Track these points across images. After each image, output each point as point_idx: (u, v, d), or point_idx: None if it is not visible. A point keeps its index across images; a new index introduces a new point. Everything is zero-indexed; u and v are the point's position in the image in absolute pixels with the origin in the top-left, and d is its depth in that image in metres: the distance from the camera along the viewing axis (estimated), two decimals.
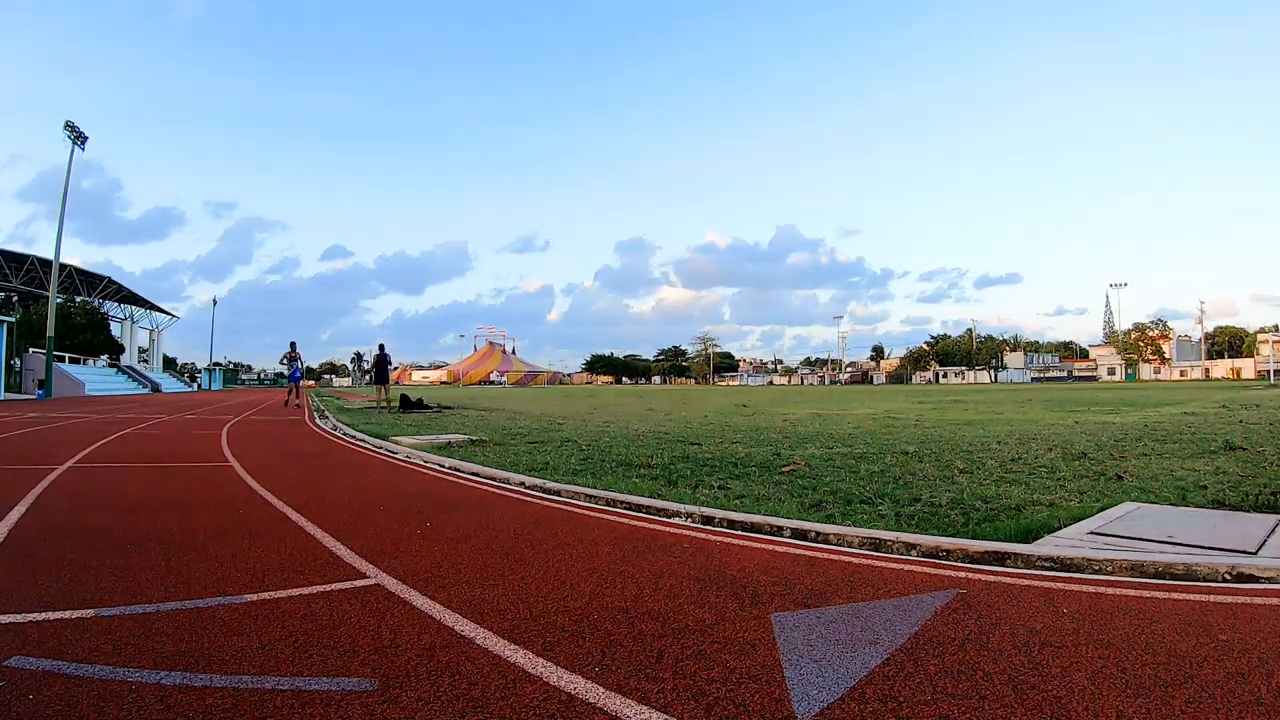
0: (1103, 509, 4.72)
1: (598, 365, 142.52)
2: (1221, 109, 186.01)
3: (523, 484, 6.38)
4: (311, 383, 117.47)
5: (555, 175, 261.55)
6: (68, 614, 2.83)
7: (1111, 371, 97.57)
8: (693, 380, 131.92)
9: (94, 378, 50.18)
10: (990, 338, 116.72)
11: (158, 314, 73.78)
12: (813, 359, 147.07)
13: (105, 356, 63.15)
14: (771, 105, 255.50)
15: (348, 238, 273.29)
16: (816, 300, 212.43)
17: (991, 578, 3.32)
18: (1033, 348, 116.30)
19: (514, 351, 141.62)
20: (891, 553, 3.86)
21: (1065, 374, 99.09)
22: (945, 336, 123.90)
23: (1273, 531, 3.96)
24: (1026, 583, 3.25)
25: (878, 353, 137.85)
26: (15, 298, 59.14)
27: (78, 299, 62.07)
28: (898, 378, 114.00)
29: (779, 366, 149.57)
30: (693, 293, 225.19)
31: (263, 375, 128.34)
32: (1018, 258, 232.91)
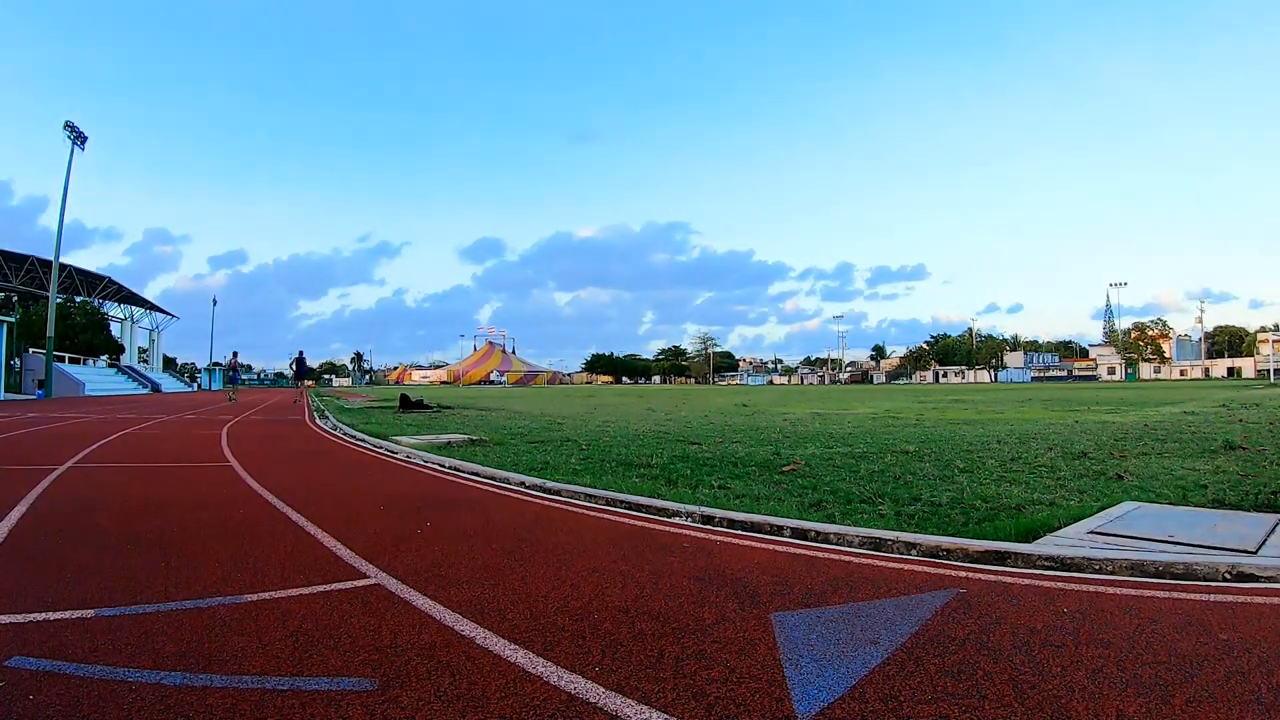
0: (1103, 508, 4.72)
1: (597, 365, 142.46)
2: (1146, 104, 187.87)
3: (523, 484, 6.38)
4: (311, 383, 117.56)
5: (396, 176, 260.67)
6: (68, 614, 2.82)
7: (1111, 371, 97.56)
8: (693, 380, 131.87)
9: (94, 378, 50.14)
10: (990, 337, 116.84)
11: (157, 314, 73.82)
12: (812, 358, 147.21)
13: (105, 356, 63.11)
14: (617, 102, 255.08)
15: (247, 243, 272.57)
16: (735, 299, 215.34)
17: (992, 577, 3.32)
18: (1032, 347, 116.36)
19: (513, 351, 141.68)
20: (891, 552, 3.86)
21: (1065, 373, 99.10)
22: (945, 336, 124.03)
23: (1273, 531, 3.96)
24: (1027, 582, 3.25)
25: (878, 352, 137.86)
26: (15, 298, 59.12)
27: (77, 299, 62.06)
28: (898, 377, 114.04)
29: (779, 366, 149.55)
30: (610, 292, 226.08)
31: (263, 375, 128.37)
32: (914, 253, 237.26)
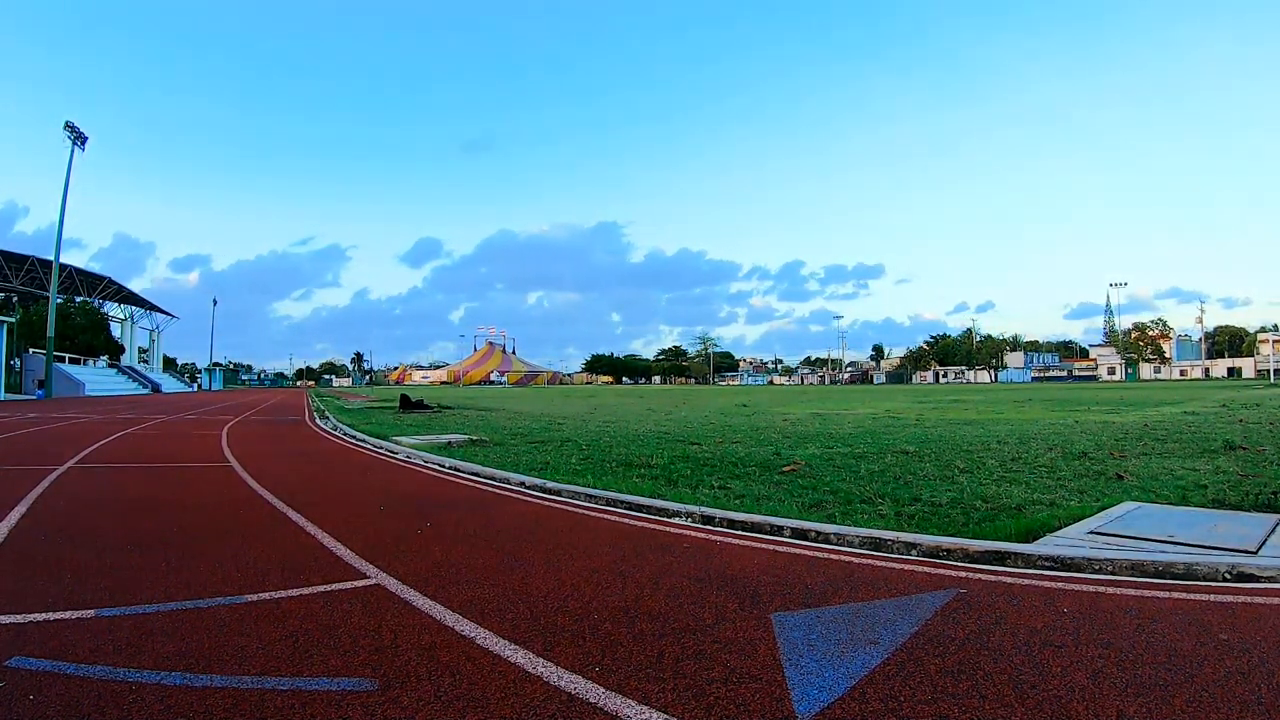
0: (1103, 508, 4.72)
1: (597, 365, 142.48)
2: (1099, 99, 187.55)
3: (523, 484, 6.38)
4: (311, 383, 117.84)
5: (329, 182, 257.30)
6: (68, 614, 2.82)
7: (1111, 371, 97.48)
8: (693, 380, 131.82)
9: (94, 378, 50.16)
10: (990, 337, 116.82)
11: (157, 314, 73.83)
12: (813, 358, 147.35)
13: (105, 357, 63.12)
14: (556, 100, 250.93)
15: (204, 248, 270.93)
16: (696, 299, 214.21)
17: (992, 577, 3.32)
18: (1033, 347, 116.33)
19: (513, 352, 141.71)
20: (892, 552, 3.86)
21: (1065, 374, 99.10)
22: (945, 336, 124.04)
23: (1273, 531, 3.96)
24: (1027, 582, 3.24)
25: (878, 352, 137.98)
26: (15, 298, 59.11)
27: (78, 299, 62.07)
28: (898, 377, 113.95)
29: (779, 366, 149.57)
30: (570, 294, 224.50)
31: (263, 375, 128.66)
32: (871, 252, 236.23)
